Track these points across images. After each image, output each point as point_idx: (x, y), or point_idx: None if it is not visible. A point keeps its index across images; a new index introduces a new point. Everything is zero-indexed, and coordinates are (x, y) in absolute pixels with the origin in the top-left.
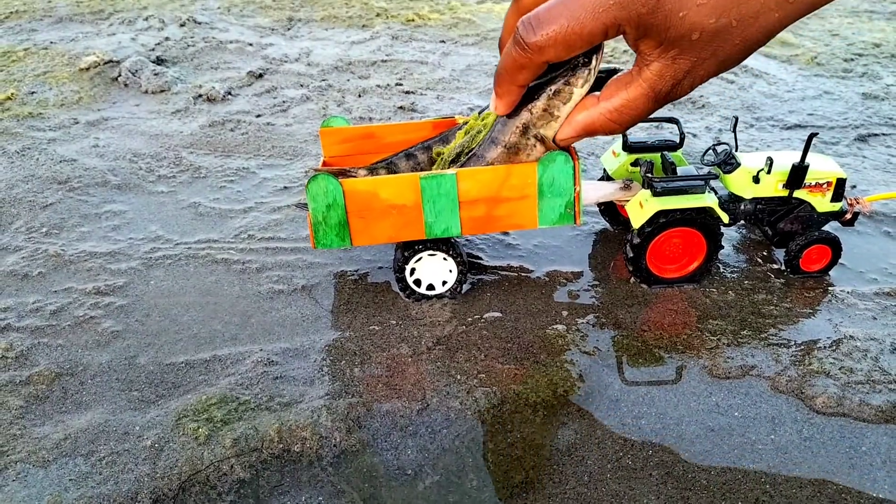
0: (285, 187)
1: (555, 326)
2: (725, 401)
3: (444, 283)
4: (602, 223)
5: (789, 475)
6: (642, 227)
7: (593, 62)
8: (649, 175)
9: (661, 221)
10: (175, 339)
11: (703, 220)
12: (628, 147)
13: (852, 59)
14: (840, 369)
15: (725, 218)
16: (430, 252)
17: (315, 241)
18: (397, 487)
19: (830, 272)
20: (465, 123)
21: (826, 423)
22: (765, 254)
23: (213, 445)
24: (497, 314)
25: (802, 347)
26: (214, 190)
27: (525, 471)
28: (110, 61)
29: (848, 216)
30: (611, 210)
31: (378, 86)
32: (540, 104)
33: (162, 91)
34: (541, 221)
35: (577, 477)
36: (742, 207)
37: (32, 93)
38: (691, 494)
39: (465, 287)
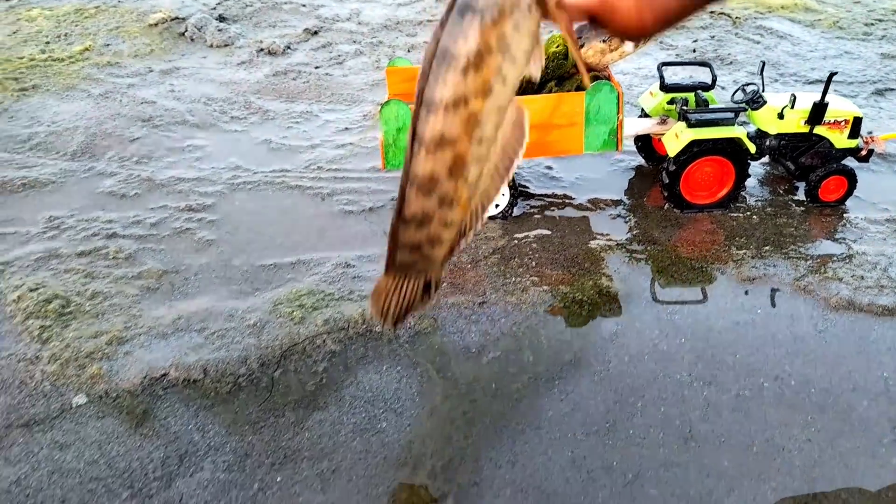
0: (346, 128)
1: (597, 241)
2: (749, 301)
3: (497, 206)
4: (638, 160)
5: (805, 359)
6: (677, 155)
7: None
8: (685, 108)
9: (694, 150)
10: (263, 246)
11: (732, 150)
12: (665, 87)
13: (873, 24)
14: (852, 277)
15: (752, 148)
16: None
17: (385, 163)
18: (464, 361)
19: (846, 203)
20: None
21: (838, 318)
22: (787, 187)
23: (307, 324)
24: (545, 232)
25: (819, 260)
26: (283, 129)
27: (573, 352)
28: (176, 18)
29: (863, 152)
30: (646, 147)
31: (426, 42)
32: None
33: (226, 45)
34: (587, 147)
35: (619, 358)
36: (767, 143)
37: (107, 45)
38: (719, 373)
39: (516, 211)
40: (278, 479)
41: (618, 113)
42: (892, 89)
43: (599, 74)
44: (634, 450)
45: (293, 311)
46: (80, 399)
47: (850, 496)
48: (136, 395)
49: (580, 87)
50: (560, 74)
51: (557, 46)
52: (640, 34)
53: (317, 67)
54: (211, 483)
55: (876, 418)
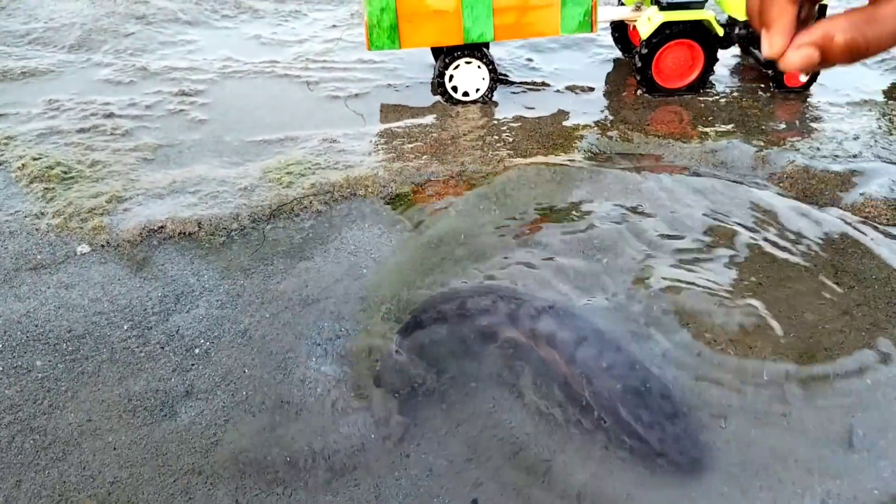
0: (334, 25)
1: (572, 121)
2: (710, 169)
3: (478, 90)
4: (615, 52)
5: (764, 212)
6: (649, 38)
7: None
8: None
9: (666, 32)
10: (252, 125)
11: (702, 33)
12: None
13: None
14: (809, 148)
15: (721, 31)
16: (467, 60)
17: (370, 43)
18: (439, 215)
19: (810, 88)
20: None
21: (792, 182)
22: (755, 76)
23: (294, 188)
24: (522, 114)
25: (779, 134)
26: (272, 26)
27: (546, 210)
28: None
29: None
30: (623, 39)
31: None
32: None
33: None
34: (563, 29)
35: (586, 221)
36: (737, 31)
37: None
38: (680, 226)
39: (495, 96)
40: (266, 315)
41: None
42: None
43: None
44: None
45: (281, 177)
46: (83, 248)
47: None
48: (136, 244)
49: None
50: None
51: None
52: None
53: None
54: (205, 318)
55: (821, 265)
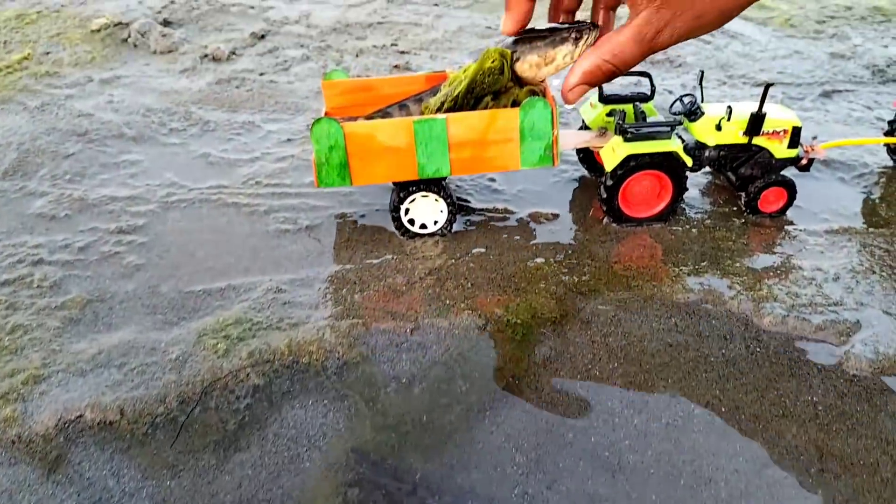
0: (288, 139)
1: (535, 260)
2: (683, 321)
3: (436, 222)
4: (581, 170)
5: (737, 383)
6: (614, 169)
7: (592, 33)
8: (621, 123)
9: (631, 165)
10: (192, 270)
11: (669, 163)
12: (604, 99)
13: (824, 21)
14: (787, 294)
15: (689, 161)
16: (423, 193)
17: (318, 181)
18: (394, 392)
19: (787, 213)
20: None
21: (771, 339)
22: (727, 197)
23: (231, 357)
24: (483, 250)
25: (755, 276)
26: (223, 142)
27: (506, 379)
28: (119, 23)
29: (804, 162)
30: (589, 158)
31: (374, 46)
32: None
33: (170, 51)
34: (523, 163)
35: (550, 385)
36: (706, 154)
37: (48, 53)
38: (650, 398)
39: (455, 227)
40: None
41: (553, 128)
42: (840, 91)
43: (535, 89)
44: (562, 484)
45: (217, 343)
46: None
47: None
48: (50, 439)
49: (516, 102)
50: (496, 89)
51: (493, 62)
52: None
53: (261, 74)
54: None
55: (804, 446)
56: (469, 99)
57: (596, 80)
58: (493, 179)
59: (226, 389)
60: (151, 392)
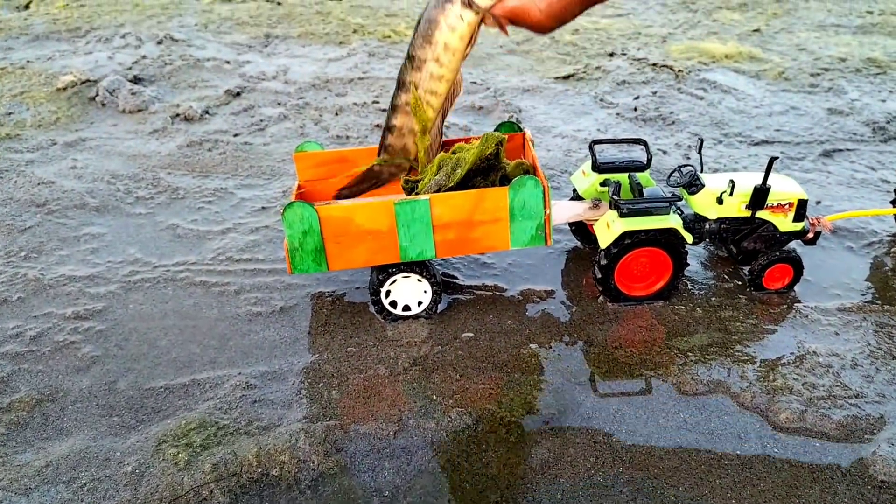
0: (263, 207)
1: (529, 346)
2: (693, 417)
3: (420, 303)
4: (574, 242)
5: (754, 490)
6: (609, 247)
7: None
8: (616, 197)
9: (626, 242)
10: (154, 363)
11: (668, 240)
12: (597, 167)
13: (819, 74)
14: (803, 385)
15: (689, 238)
16: (405, 274)
17: (292, 267)
18: None
19: (795, 288)
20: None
21: (790, 438)
22: (731, 270)
23: (192, 471)
24: (471, 334)
25: (767, 364)
26: (192, 211)
27: (500, 490)
28: (87, 80)
29: (810, 235)
30: (582, 229)
31: (355, 104)
32: None
33: (139, 111)
34: (513, 243)
35: (550, 495)
36: (707, 227)
37: (10, 113)
38: None
39: (441, 306)
40: None
41: (545, 207)
42: (841, 150)
43: (526, 165)
44: None
45: (178, 453)
46: None
47: None
48: None
49: (505, 179)
50: (487, 169)
51: (490, 150)
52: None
53: (235, 135)
54: None
55: None
56: (464, 183)
57: (516, 17)
58: (481, 253)
59: None
60: None
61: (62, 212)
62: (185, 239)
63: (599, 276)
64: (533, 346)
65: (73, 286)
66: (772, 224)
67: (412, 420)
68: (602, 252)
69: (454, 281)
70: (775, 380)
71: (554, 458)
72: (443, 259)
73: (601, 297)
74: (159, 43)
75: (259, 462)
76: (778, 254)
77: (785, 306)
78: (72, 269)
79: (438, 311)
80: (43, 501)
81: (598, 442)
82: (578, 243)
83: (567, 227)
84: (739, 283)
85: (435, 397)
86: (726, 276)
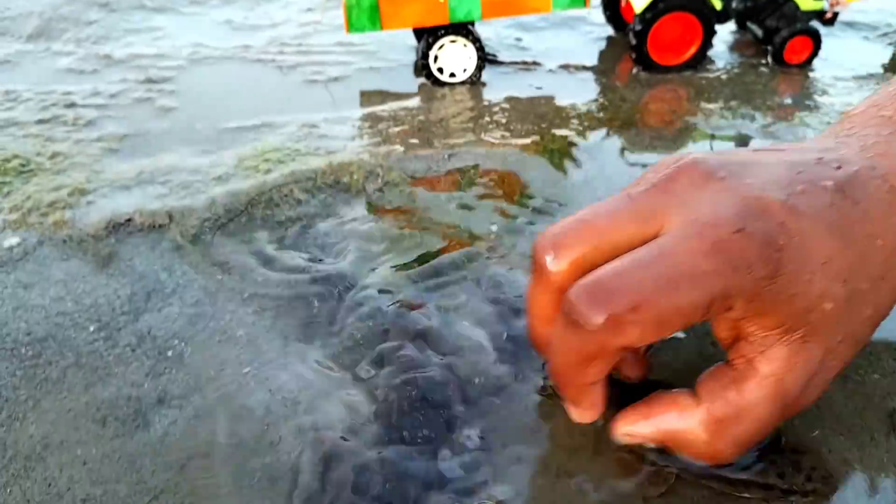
0: (309, 8)
1: (567, 101)
2: (717, 145)
3: (465, 70)
4: (608, 30)
5: None
6: (643, 12)
7: None
8: None
9: (660, 6)
10: (225, 112)
11: (698, 6)
12: None
13: None
14: (818, 122)
15: (719, 4)
16: (452, 38)
17: (348, 25)
18: (433, 205)
19: (812, 63)
20: None
21: None
22: (754, 52)
23: (273, 175)
24: (515, 94)
25: (786, 110)
26: (244, 10)
27: (544, 197)
28: None
29: (828, 15)
30: (615, 17)
31: None
32: None
33: None
34: (555, 5)
35: (590, 201)
36: (734, 5)
37: None
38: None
39: (484, 77)
40: (248, 313)
41: None
42: None
43: None
44: None
45: (259, 165)
46: (13, 240)
47: None
48: (101, 239)
49: None
50: None
51: None
52: (716, 462)
53: None
54: (179, 317)
55: None
56: None
57: (675, 448)
58: (518, 38)
59: (271, 201)
60: (198, 202)
61: (123, 11)
62: (239, 30)
63: (634, 42)
64: (572, 100)
65: (143, 61)
66: (793, 2)
67: (464, 147)
68: (637, 17)
69: (495, 58)
70: (793, 119)
71: (592, 177)
72: (484, 42)
73: (635, 69)
74: None
75: (331, 170)
76: (799, 26)
77: (802, 75)
78: (139, 49)
79: (482, 80)
80: (143, 194)
81: (630, 165)
82: (612, 31)
83: (602, 18)
84: (763, 61)
85: (483, 133)
86: (749, 55)
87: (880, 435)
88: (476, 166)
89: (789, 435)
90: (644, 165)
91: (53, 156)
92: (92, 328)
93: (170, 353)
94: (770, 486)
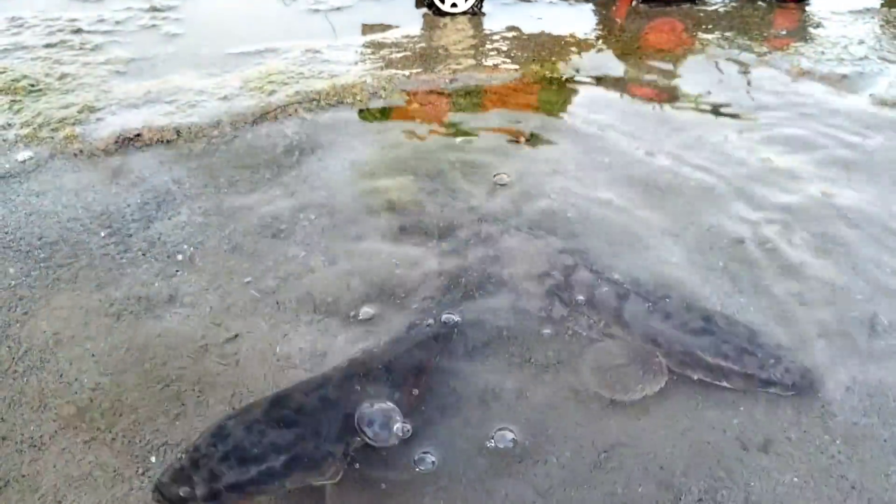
0: None
1: (567, 31)
2: (716, 74)
3: (466, 0)
4: None
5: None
6: None
7: None
8: None
9: None
10: (229, 38)
11: None
12: None
13: None
14: (813, 52)
15: None
16: None
17: None
18: (431, 122)
19: (809, 1)
20: None
21: (799, 84)
22: None
23: (278, 95)
24: (515, 24)
25: (781, 41)
26: None
27: (542, 120)
28: None
29: None
30: None
31: None
32: None
33: None
34: None
35: (589, 120)
36: None
37: None
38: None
39: (486, 7)
40: (253, 222)
41: None
42: None
43: None
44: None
45: (263, 86)
46: (25, 154)
47: None
48: (111, 153)
49: None
50: None
51: None
52: None
53: None
54: (188, 225)
55: None
56: None
57: None
58: None
59: (275, 119)
60: (205, 119)
61: None
62: None
63: None
64: (571, 30)
65: None
66: None
67: (465, 73)
68: None
69: None
70: (788, 49)
71: (594, 100)
72: None
73: (634, 2)
74: None
75: (335, 92)
76: None
77: (799, 9)
78: None
79: (483, 11)
80: (151, 111)
81: (631, 89)
82: None
83: None
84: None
85: (484, 61)
86: None
87: (861, 337)
88: (479, 87)
89: (771, 333)
90: (643, 91)
91: (62, 77)
92: (103, 233)
93: (180, 258)
94: (750, 376)
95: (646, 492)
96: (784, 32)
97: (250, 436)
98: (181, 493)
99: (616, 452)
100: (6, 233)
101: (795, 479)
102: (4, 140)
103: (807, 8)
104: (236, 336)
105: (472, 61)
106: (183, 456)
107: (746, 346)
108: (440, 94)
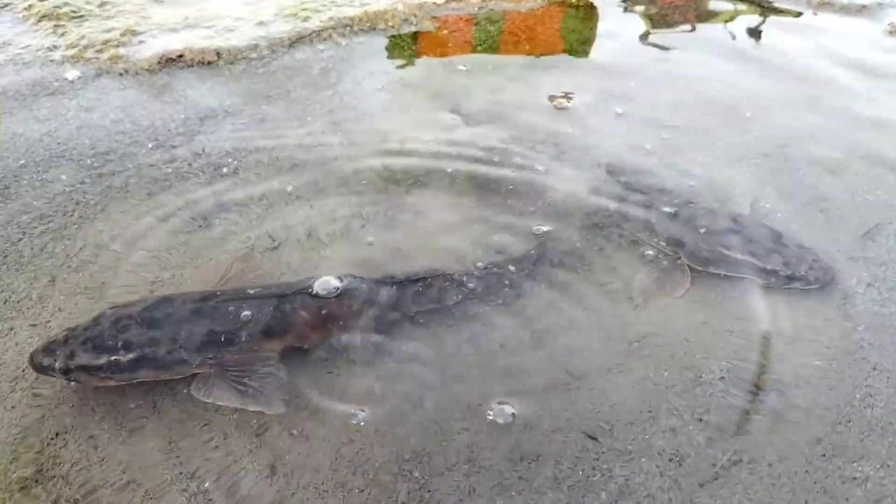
0: None
1: None
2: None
3: None
4: None
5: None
6: None
7: None
8: None
9: None
10: None
11: None
12: None
13: None
14: None
15: None
16: None
17: None
18: (461, 49)
19: None
20: None
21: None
22: None
23: (313, 21)
24: None
25: None
26: None
27: (570, 43)
28: None
29: None
30: None
31: None
32: None
33: None
34: None
35: (611, 51)
36: None
37: None
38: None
39: None
40: (293, 137)
41: None
42: None
43: None
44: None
45: (298, 13)
46: (74, 73)
47: None
48: (154, 72)
49: None
50: None
51: None
52: None
53: None
54: (231, 139)
55: None
56: None
57: None
58: None
59: (311, 43)
60: (243, 42)
61: None
62: None
63: None
64: None
65: None
66: None
67: (495, 1)
68: None
69: None
70: None
71: (616, 31)
72: None
73: None
74: None
75: (367, 18)
76: None
77: None
78: None
79: None
80: (191, 35)
81: (651, 25)
82: None
83: None
84: None
85: None
86: None
87: (881, 236)
88: (504, 13)
89: (793, 234)
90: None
91: (102, 4)
92: (150, 145)
93: (224, 170)
94: (773, 272)
95: (671, 375)
96: None
97: (113, 328)
98: (44, 363)
99: (647, 342)
100: (59, 143)
101: (818, 363)
102: (52, 60)
103: None
104: (279, 245)
105: None
106: (62, 332)
107: (771, 245)
108: (467, 21)
